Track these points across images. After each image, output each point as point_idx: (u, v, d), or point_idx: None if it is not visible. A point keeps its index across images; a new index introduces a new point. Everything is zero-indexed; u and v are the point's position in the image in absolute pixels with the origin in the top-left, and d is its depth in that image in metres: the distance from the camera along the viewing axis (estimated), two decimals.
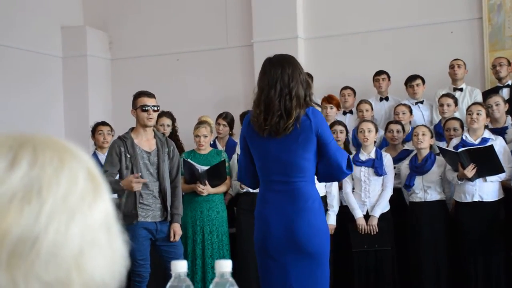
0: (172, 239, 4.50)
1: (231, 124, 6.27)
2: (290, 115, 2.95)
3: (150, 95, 4.52)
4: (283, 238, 3.00)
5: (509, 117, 5.61)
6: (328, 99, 6.20)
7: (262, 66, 3.11)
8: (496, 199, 5.03)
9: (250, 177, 3.23)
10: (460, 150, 4.92)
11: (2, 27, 6.91)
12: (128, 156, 4.41)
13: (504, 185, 5.10)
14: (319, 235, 3.03)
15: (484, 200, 5.01)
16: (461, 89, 6.20)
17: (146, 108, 4.43)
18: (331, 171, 3.07)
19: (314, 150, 3.03)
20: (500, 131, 5.41)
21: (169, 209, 4.51)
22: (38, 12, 7.38)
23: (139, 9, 7.92)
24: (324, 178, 3.22)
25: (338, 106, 6.27)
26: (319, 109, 3.15)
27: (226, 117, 6.23)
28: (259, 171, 3.12)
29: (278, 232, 3.02)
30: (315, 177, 3.15)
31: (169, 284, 1.24)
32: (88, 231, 0.70)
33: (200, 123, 5.58)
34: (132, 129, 4.58)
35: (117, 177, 4.48)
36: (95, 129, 5.85)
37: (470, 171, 4.89)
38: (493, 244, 4.97)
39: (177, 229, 4.53)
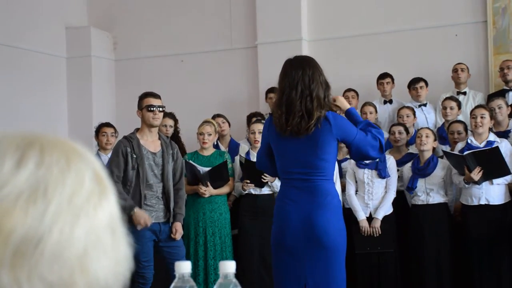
0: (173, 235, 4.50)
1: (227, 120, 6.28)
2: (311, 115, 3.02)
3: (156, 95, 4.56)
4: (301, 232, 3.05)
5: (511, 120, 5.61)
6: None
7: (282, 67, 3.17)
8: (503, 202, 5.03)
9: (269, 165, 3.27)
10: (465, 153, 4.91)
11: (6, 27, 6.93)
12: (135, 156, 4.42)
13: (510, 188, 5.09)
14: (336, 230, 3.09)
15: (491, 203, 5.00)
16: (464, 93, 6.20)
17: (152, 108, 4.46)
18: (362, 157, 3.28)
19: (333, 151, 3.11)
20: (503, 135, 5.40)
21: (171, 210, 4.52)
22: (42, 12, 7.39)
23: (144, 10, 7.93)
24: (357, 159, 3.64)
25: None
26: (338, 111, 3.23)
27: (219, 115, 6.25)
28: (279, 169, 3.18)
29: (296, 226, 3.06)
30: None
31: (172, 284, 1.24)
32: (93, 232, 0.70)
33: (205, 121, 5.58)
34: (137, 130, 4.59)
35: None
36: (99, 130, 5.85)
37: (476, 174, 4.88)
38: (500, 247, 4.96)
39: (178, 227, 4.53)
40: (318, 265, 3.04)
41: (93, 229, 0.70)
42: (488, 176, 4.94)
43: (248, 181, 5.33)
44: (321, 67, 3.17)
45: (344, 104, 3.30)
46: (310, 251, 3.04)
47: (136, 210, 4.32)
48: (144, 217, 4.33)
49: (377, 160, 5.21)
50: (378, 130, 3.20)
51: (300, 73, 3.07)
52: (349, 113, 3.27)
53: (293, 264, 3.07)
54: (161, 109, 4.52)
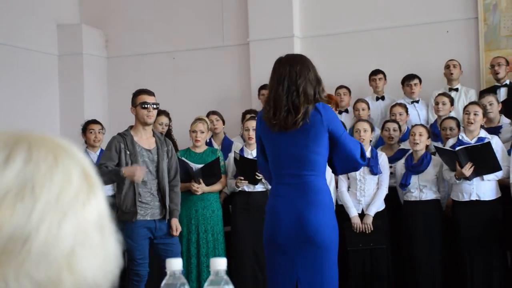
0: (173, 232, 4.51)
1: (222, 118, 6.28)
2: (298, 110, 3.02)
3: (150, 92, 4.55)
4: (293, 230, 3.05)
5: (502, 116, 5.64)
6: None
7: (273, 66, 3.20)
8: (493, 198, 5.05)
9: (268, 172, 3.28)
10: (457, 148, 4.93)
11: None
12: (128, 153, 4.41)
13: (501, 184, 5.11)
14: (328, 228, 3.08)
15: (482, 199, 5.02)
16: (456, 89, 6.22)
17: (146, 105, 4.44)
18: (346, 163, 3.18)
19: (325, 144, 3.09)
20: (494, 131, 5.43)
21: (167, 206, 4.51)
22: (34, 10, 7.36)
23: (135, 7, 7.90)
24: (341, 170, 3.38)
25: (337, 106, 6.24)
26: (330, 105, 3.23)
27: (214, 113, 6.24)
28: (271, 166, 3.18)
29: (288, 224, 3.06)
30: (334, 171, 3.30)
31: (164, 282, 1.24)
32: (81, 230, 0.69)
33: (198, 119, 5.58)
34: (131, 127, 4.58)
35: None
36: (86, 127, 5.82)
37: (468, 169, 4.90)
38: (490, 243, 4.98)
39: (177, 223, 4.55)
40: (309, 263, 3.05)
41: (81, 227, 0.70)
42: (479, 172, 4.97)
43: (242, 178, 5.33)
44: (313, 64, 3.19)
45: None
46: (301, 249, 3.05)
47: (124, 169, 4.28)
48: (133, 170, 4.25)
49: (369, 156, 5.22)
50: (357, 141, 3.24)
51: (287, 69, 3.10)
52: None
53: (285, 261, 3.07)
54: (155, 106, 4.50)
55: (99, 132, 5.79)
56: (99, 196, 0.74)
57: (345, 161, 3.15)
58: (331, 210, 3.16)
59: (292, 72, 3.08)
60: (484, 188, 5.04)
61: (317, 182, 3.08)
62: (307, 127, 3.04)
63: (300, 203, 3.05)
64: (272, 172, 3.18)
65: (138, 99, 4.49)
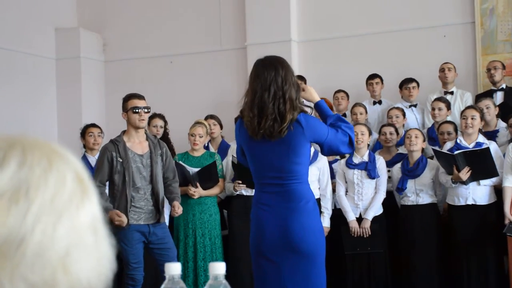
0: (175, 212, 4.53)
1: (220, 122, 6.28)
2: (284, 118, 2.95)
3: (140, 96, 4.52)
4: (277, 238, 3.02)
5: (499, 120, 5.65)
6: None
7: (253, 68, 3.07)
8: (489, 202, 5.06)
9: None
10: (456, 152, 4.94)
11: None
12: (120, 160, 4.40)
13: (497, 189, 5.12)
14: (312, 235, 3.04)
15: (477, 204, 5.03)
16: (451, 93, 6.23)
17: (137, 110, 4.43)
18: (333, 153, 3.33)
19: (307, 153, 3.07)
20: (491, 135, 5.45)
21: (161, 210, 4.50)
22: (32, 13, 7.36)
23: (133, 11, 7.91)
24: (328, 155, 3.77)
25: (331, 109, 6.27)
26: (309, 110, 3.13)
27: (212, 117, 6.24)
28: (253, 174, 3.13)
29: (272, 233, 3.03)
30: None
31: (162, 286, 1.24)
32: (75, 233, 0.70)
33: (197, 122, 5.57)
34: (124, 132, 4.56)
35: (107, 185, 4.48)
36: (85, 131, 5.82)
37: (465, 174, 4.90)
38: (486, 247, 4.99)
39: (177, 204, 4.55)
40: (296, 272, 3.02)
41: (75, 229, 0.70)
42: (476, 176, 4.97)
43: (240, 182, 5.32)
44: (292, 68, 3.10)
45: (314, 96, 3.20)
46: (287, 257, 3.02)
47: (110, 212, 4.30)
48: (113, 216, 4.29)
49: (367, 160, 5.23)
50: (348, 125, 3.14)
51: (273, 74, 2.98)
52: (318, 106, 3.19)
53: (272, 270, 3.04)
54: (146, 110, 4.49)
55: (98, 136, 5.80)
56: (93, 199, 0.74)
57: (331, 154, 3.50)
58: (316, 214, 3.12)
59: (278, 78, 2.97)
60: (480, 193, 5.05)
61: (300, 188, 3.04)
62: (289, 139, 2.98)
63: (284, 211, 3.02)
64: (255, 180, 3.14)
65: (129, 104, 4.47)
